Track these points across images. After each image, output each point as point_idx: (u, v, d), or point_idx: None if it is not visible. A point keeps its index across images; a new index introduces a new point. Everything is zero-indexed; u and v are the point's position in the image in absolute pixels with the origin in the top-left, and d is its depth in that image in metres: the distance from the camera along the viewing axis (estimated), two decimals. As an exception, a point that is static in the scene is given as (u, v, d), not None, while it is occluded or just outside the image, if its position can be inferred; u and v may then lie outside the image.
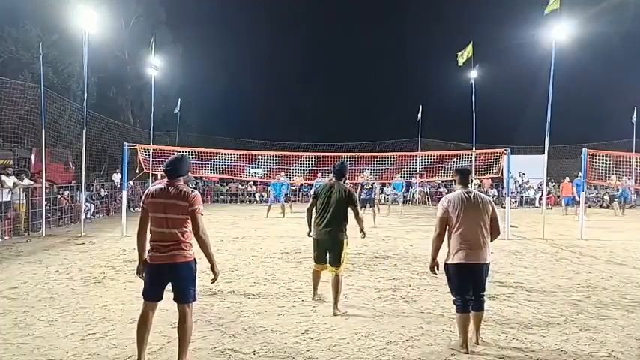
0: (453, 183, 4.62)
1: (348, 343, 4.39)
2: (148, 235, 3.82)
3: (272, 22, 41.86)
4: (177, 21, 32.32)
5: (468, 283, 4.21)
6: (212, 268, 3.89)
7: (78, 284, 6.47)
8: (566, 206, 18.11)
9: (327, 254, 5.34)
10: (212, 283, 4.07)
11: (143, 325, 3.80)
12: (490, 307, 5.36)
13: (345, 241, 5.31)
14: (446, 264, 4.29)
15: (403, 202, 19.95)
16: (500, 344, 4.38)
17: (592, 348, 4.33)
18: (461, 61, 20.80)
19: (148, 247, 3.82)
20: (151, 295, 3.83)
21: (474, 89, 21.14)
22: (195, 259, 3.86)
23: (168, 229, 3.72)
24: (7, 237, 10.97)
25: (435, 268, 4.35)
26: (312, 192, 5.72)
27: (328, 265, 5.34)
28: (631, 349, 4.32)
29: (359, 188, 14.10)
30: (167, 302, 5.44)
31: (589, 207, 18.62)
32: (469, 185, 4.45)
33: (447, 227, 4.29)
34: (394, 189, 18.85)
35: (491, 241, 4.32)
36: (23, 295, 5.89)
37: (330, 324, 4.89)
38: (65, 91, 21.53)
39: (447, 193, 22.26)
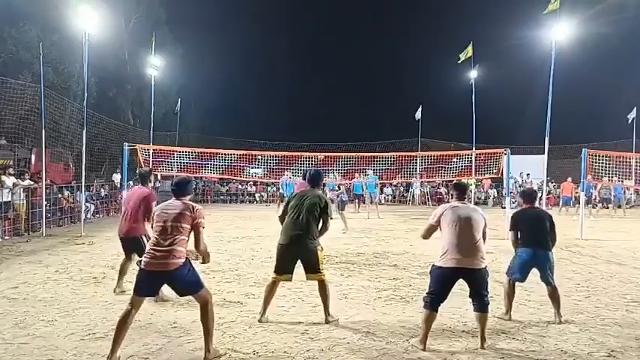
0: (450, 197, 4.77)
1: (348, 343, 4.39)
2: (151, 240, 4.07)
3: (272, 22, 41.93)
4: (177, 21, 32.39)
5: (449, 289, 4.29)
6: (203, 260, 4.19)
7: (78, 284, 6.47)
8: (564, 205, 18.17)
9: (301, 264, 4.92)
10: (202, 263, 4.25)
11: (125, 319, 3.87)
12: (490, 307, 5.36)
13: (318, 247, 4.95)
14: (435, 265, 4.36)
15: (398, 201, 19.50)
16: (500, 344, 4.39)
17: (592, 348, 4.33)
18: (462, 58, 20.80)
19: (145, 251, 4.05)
20: (144, 292, 3.98)
21: (473, 89, 21.13)
22: (188, 258, 4.01)
23: (168, 235, 3.91)
24: (7, 237, 10.97)
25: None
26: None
27: (308, 274, 4.93)
28: (631, 349, 4.32)
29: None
30: (167, 302, 5.46)
31: (602, 207, 18.54)
32: (465, 199, 4.65)
33: (442, 233, 4.42)
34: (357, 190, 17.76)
35: None
36: (23, 295, 5.89)
37: (330, 324, 4.88)
38: (65, 91, 21.53)
39: (446, 193, 22.42)
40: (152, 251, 3.93)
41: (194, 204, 4.13)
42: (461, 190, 4.65)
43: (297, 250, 4.85)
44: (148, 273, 3.91)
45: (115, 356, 3.83)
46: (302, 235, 4.84)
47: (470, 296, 4.38)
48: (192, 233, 4.04)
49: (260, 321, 4.90)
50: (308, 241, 4.84)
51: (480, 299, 4.32)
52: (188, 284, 3.98)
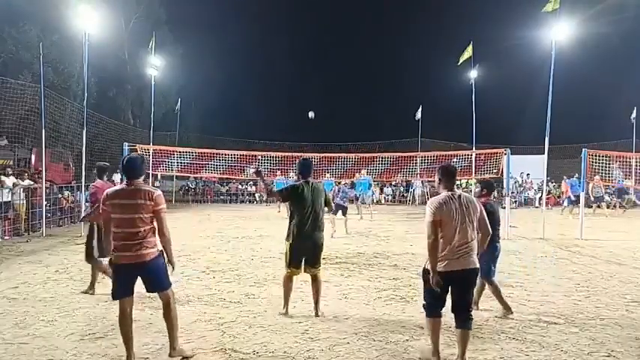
0: (437, 184, 4.01)
1: (348, 343, 4.39)
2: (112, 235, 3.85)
3: (272, 22, 41.94)
4: (177, 21, 32.43)
5: (446, 294, 3.85)
6: (169, 261, 3.95)
7: (78, 284, 6.46)
8: (567, 205, 18.14)
9: (310, 257, 5.10)
10: (171, 273, 4.03)
11: (124, 322, 3.83)
12: (491, 307, 5.37)
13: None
14: (427, 269, 3.86)
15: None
16: (501, 344, 4.38)
17: (592, 348, 4.33)
18: (461, 60, 20.79)
19: (111, 246, 3.84)
20: (123, 293, 3.87)
21: (473, 89, 21.12)
22: (161, 251, 3.92)
23: (134, 229, 3.76)
24: (7, 237, 10.96)
25: (438, 280, 3.75)
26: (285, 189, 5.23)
27: (311, 268, 5.11)
28: (631, 349, 4.32)
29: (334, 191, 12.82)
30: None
31: (597, 207, 18.52)
32: (454, 187, 3.94)
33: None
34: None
35: (483, 242, 4.00)
36: (23, 295, 5.89)
37: (330, 324, 4.89)
38: (65, 91, 21.54)
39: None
40: (122, 245, 3.77)
41: (151, 189, 3.85)
42: (450, 176, 3.92)
43: (312, 245, 5.06)
44: (125, 267, 3.78)
45: (132, 355, 3.83)
46: (319, 233, 5.10)
47: (453, 309, 3.87)
48: (155, 219, 3.84)
49: (284, 314, 5.14)
50: (321, 235, 5.13)
51: (463, 312, 3.83)
52: (162, 277, 3.88)
